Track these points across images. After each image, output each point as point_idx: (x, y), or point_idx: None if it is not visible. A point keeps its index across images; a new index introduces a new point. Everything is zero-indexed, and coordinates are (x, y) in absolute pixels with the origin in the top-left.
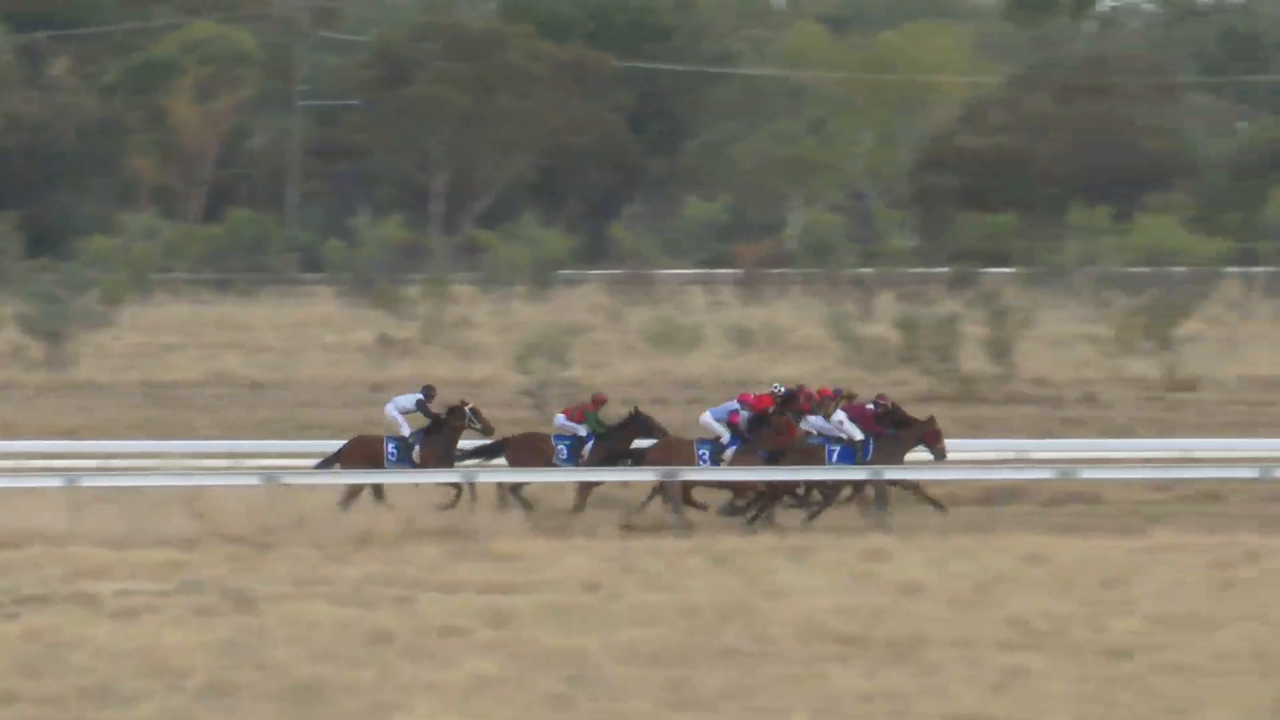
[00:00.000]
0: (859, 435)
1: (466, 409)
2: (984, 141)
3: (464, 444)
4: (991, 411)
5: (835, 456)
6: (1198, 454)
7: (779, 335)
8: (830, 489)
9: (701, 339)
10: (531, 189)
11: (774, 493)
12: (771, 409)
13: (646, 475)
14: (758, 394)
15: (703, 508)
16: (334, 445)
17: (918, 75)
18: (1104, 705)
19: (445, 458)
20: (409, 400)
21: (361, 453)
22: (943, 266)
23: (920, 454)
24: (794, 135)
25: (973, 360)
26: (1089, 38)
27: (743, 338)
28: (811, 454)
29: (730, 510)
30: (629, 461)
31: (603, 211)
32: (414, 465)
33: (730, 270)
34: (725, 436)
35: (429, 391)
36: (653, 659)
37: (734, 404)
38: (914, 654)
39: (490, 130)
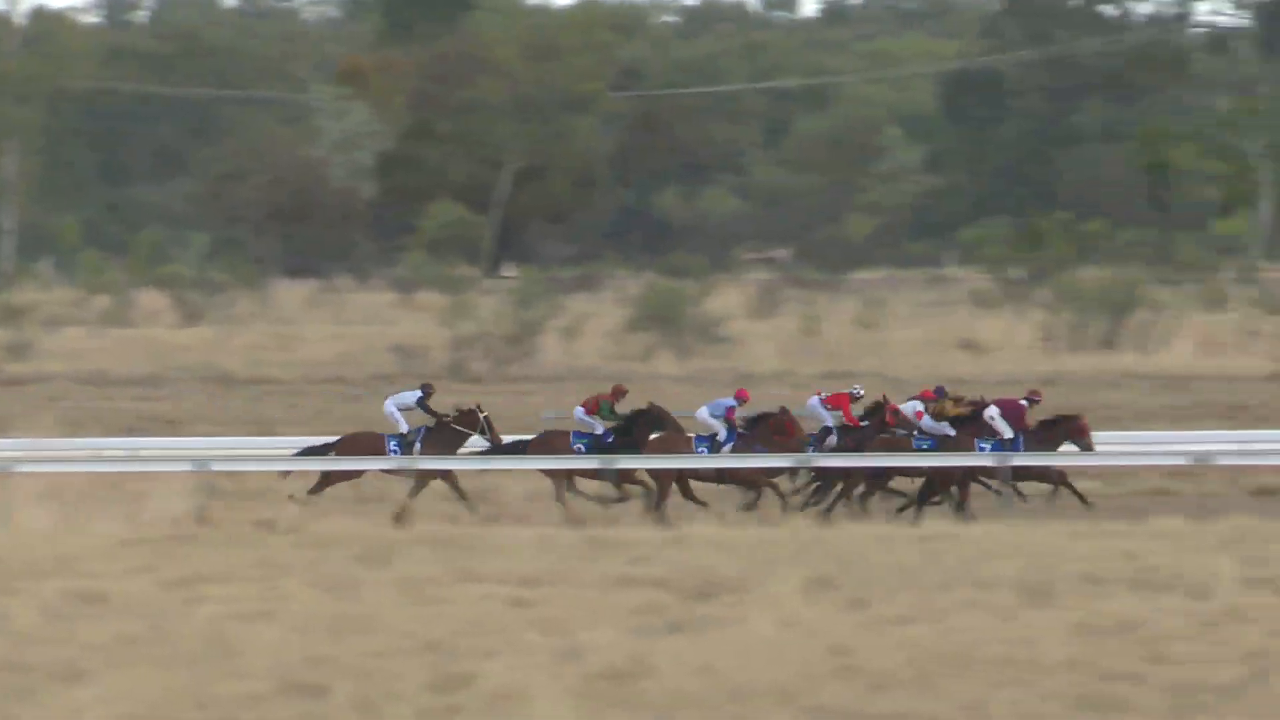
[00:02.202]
0: (1009, 432)
1: (482, 416)
2: None
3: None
4: None
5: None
6: None
7: None
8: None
9: None
10: None
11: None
12: (782, 409)
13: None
14: (834, 391)
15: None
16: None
17: None
18: None
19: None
20: (410, 397)
21: (356, 448)
22: None
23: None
24: None
25: None
26: None
27: None
28: (899, 444)
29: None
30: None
31: None
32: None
33: None
34: (722, 433)
35: (427, 389)
36: None
37: (730, 400)
38: None
39: None
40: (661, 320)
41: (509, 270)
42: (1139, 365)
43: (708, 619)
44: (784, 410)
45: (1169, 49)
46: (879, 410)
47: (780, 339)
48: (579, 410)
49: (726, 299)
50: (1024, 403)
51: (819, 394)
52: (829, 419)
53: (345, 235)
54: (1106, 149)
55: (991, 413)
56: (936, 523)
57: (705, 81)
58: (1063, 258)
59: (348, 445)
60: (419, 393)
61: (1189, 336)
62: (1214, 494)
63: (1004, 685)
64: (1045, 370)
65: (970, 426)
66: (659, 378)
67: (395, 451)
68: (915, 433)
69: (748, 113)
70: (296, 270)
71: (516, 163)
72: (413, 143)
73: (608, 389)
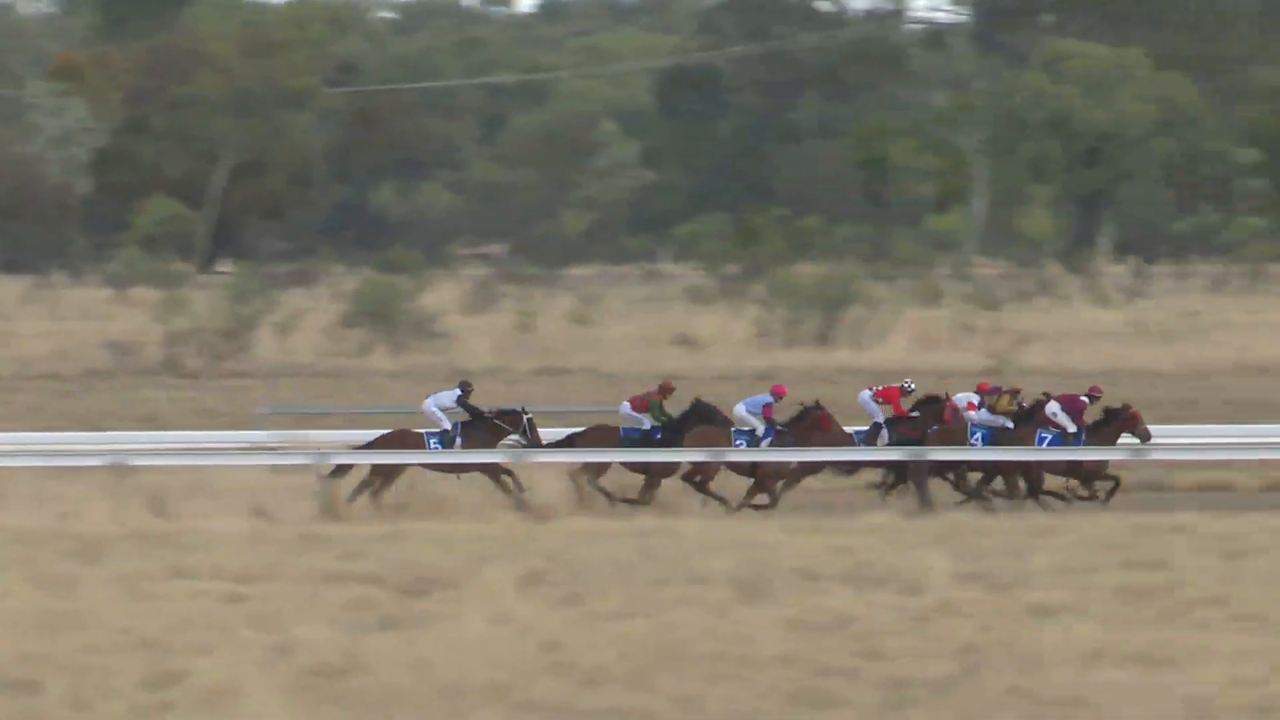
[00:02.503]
0: (1072, 427)
1: (525, 417)
2: None
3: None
4: None
5: (1047, 445)
6: None
7: None
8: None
9: None
10: None
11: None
12: (815, 403)
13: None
14: (885, 385)
15: (720, 499)
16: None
17: None
18: None
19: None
20: (449, 397)
21: (399, 444)
22: None
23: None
24: None
25: None
26: None
27: None
28: (955, 435)
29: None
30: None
31: None
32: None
33: None
34: (760, 429)
35: (466, 386)
36: None
37: (768, 397)
38: None
39: None
40: (377, 316)
41: (224, 266)
42: (854, 361)
43: (421, 615)
44: (818, 405)
45: (886, 45)
46: (932, 404)
47: (495, 335)
48: (625, 405)
49: (442, 294)
50: (1084, 399)
51: (871, 388)
52: (879, 414)
53: (60, 231)
54: (823, 145)
55: (1053, 408)
56: (650, 518)
57: (422, 77)
58: (778, 253)
59: (389, 443)
60: (458, 391)
61: (904, 332)
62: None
63: (719, 681)
64: (760, 366)
65: (1031, 421)
66: (374, 373)
67: (436, 448)
68: (971, 425)
69: (464, 108)
70: (11, 266)
71: (233, 158)
72: (128, 138)
73: (655, 387)
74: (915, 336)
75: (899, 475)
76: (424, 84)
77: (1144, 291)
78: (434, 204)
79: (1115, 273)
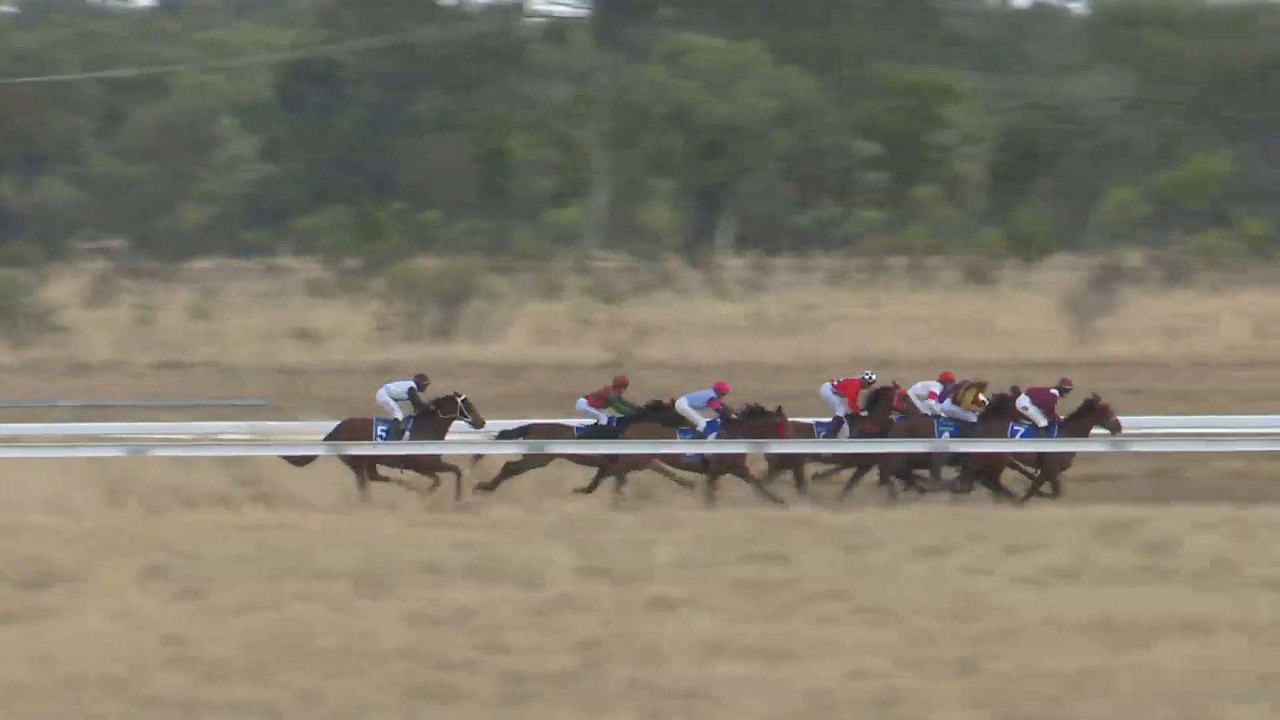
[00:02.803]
0: (1043, 421)
1: (459, 400)
2: None
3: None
4: None
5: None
6: None
7: None
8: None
9: None
10: None
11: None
12: (779, 409)
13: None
14: (846, 377)
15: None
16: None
17: None
18: None
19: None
20: (401, 387)
21: (350, 434)
22: None
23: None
24: None
25: None
26: None
27: None
28: (921, 430)
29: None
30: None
31: None
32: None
33: None
34: (701, 424)
35: (421, 380)
36: None
37: (710, 392)
38: None
39: None
40: None
41: None
42: (474, 354)
43: (41, 609)
44: (779, 411)
45: (506, 39)
46: (883, 397)
47: (116, 328)
48: (582, 401)
49: (62, 288)
50: (1054, 392)
51: (831, 381)
52: (840, 407)
53: None
54: (444, 138)
55: (1024, 402)
56: (269, 512)
57: (42, 71)
58: (398, 247)
59: (343, 432)
60: (412, 383)
61: (524, 325)
62: (549, 480)
63: (339, 675)
64: (380, 359)
65: (1000, 414)
66: None
67: (382, 437)
68: (938, 418)
69: (84, 102)
70: None
71: None
72: None
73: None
74: (535, 330)
75: (860, 470)
76: (44, 77)
77: (764, 285)
78: (54, 197)
79: (735, 266)
